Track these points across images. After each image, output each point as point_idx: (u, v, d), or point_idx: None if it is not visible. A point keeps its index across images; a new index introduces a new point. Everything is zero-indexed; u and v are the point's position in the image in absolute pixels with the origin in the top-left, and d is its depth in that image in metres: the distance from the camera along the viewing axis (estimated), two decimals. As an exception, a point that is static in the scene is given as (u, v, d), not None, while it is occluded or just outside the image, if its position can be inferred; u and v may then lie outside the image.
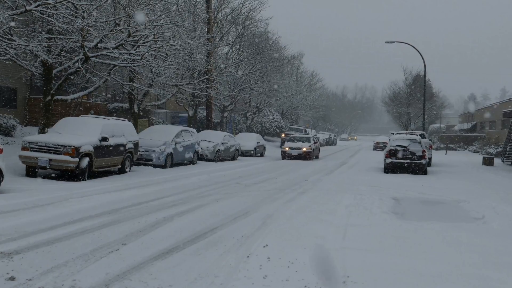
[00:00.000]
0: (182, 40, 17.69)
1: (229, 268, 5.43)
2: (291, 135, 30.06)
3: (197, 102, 27.81)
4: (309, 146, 26.68)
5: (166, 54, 18.03)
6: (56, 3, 12.34)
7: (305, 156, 26.27)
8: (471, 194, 13.10)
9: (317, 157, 28.94)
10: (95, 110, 23.95)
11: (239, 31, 32.01)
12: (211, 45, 24.61)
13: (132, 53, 15.94)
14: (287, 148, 26.67)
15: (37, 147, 12.59)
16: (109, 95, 27.00)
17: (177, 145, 18.47)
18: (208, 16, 25.81)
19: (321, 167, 21.84)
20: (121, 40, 15.12)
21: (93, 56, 15.24)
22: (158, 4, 17.06)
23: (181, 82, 21.77)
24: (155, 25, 15.52)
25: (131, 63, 16.10)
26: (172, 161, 18.09)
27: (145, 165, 17.18)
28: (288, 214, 9.04)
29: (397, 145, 19.53)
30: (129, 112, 21.42)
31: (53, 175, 13.34)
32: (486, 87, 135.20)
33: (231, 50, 32.93)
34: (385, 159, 19.77)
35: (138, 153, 16.39)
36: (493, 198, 12.21)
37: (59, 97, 16.27)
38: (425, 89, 34.18)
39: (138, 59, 15.94)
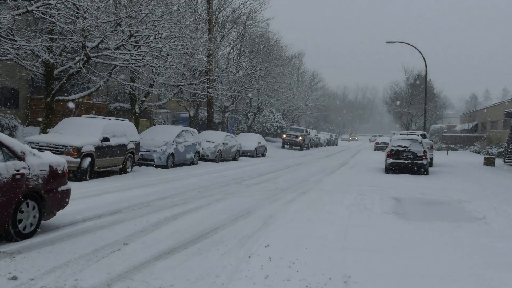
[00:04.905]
0: (183, 40, 17.70)
1: (230, 268, 5.44)
2: None
3: (198, 103, 27.81)
4: None
5: (167, 55, 18.05)
6: (57, 3, 12.36)
7: None
8: (472, 194, 13.09)
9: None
10: (97, 110, 23.96)
11: (240, 31, 32.00)
12: (212, 45, 24.62)
13: (133, 54, 15.96)
14: None
15: (38, 147, 12.59)
16: (107, 95, 27.00)
17: (178, 145, 18.48)
18: (209, 16, 25.82)
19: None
20: (122, 41, 15.15)
21: (94, 57, 15.28)
22: (159, 5, 17.09)
23: (182, 82, 21.78)
24: (156, 26, 15.54)
25: (132, 64, 16.13)
26: (173, 161, 18.10)
27: (147, 165, 17.18)
28: (289, 214, 9.05)
29: (398, 146, 19.53)
30: (131, 112, 21.45)
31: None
32: (488, 87, 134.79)
33: (232, 51, 32.93)
34: (386, 160, 19.77)
35: (140, 153, 16.40)
36: (494, 199, 12.20)
37: (61, 97, 16.29)
38: (426, 89, 34.16)
39: (139, 60, 15.96)
